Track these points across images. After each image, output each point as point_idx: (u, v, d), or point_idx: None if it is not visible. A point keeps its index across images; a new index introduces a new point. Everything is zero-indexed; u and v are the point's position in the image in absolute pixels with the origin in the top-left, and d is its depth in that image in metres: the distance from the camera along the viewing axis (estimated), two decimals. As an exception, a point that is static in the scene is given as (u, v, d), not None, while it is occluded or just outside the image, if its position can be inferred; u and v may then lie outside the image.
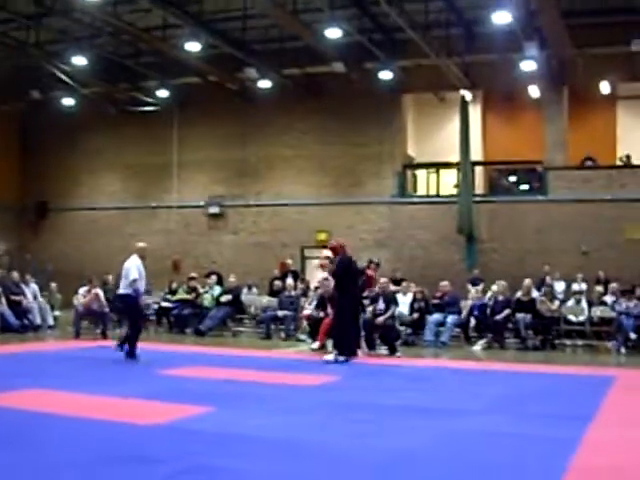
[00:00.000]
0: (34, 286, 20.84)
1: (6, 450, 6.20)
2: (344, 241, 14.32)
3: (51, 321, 20.41)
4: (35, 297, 20.43)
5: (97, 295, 18.43)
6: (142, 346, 13.03)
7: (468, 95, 24.50)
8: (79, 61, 24.39)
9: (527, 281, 18.17)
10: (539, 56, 21.37)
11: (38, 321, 19.87)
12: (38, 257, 28.16)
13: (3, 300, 19.23)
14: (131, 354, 13.14)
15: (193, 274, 22.56)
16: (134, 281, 13.39)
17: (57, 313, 21.32)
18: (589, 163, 24.88)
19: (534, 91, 24.36)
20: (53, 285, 21.92)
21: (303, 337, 18.82)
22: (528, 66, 21.90)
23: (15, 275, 20.39)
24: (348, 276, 14.22)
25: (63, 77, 26.34)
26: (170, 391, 9.83)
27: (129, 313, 13.89)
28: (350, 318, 14.02)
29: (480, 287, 20.50)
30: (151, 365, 12.18)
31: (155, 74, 26.51)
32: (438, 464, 6.00)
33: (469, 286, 21.07)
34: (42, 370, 11.51)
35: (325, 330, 15.26)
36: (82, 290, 18.71)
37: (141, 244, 14.49)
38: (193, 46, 22.59)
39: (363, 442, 6.74)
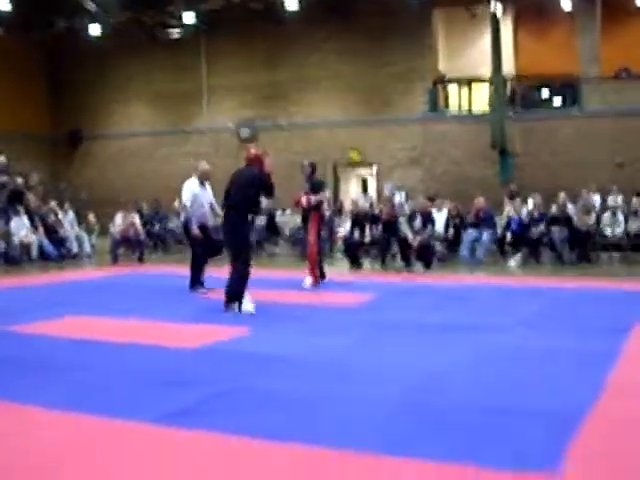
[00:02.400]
0: (71, 214, 20.99)
1: (46, 374, 6.32)
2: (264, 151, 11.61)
3: (88, 249, 20.60)
4: (72, 226, 20.61)
5: (133, 222, 18.53)
6: (176, 270, 12.98)
7: (499, 9, 24.06)
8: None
9: (562, 195, 18.01)
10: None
11: (75, 249, 20.06)
12: (72, 186, 28.33)
13: (40, 229, 19.42)
14: (191, 282, 12.25)
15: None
16: (184, 207, 12.33)
17: (94, 241, 21.49)
18: (624, 75, 24.45)
19: (566, 3, 23.88)
20: (90, 214, 22.04)
21: (339, 256, 18.88)
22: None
23: (52, 204, 20.55)
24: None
25: (89, 5, 26.16)
26: (207, 313, 9.92)
27: (189, 241, 12.76)
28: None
29: (518, 201, 20.32)
30: (185, 288, 12.22)
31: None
32: (474, 381, 6.03)
33: (506, 199, 20.89)
34: (81, 297, 11.65)
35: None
36: (118, 217, 18.80)
37: (202, 165, 12.84)
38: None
39: (399, 361, 6.79)
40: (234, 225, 10.29)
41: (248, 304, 9.93)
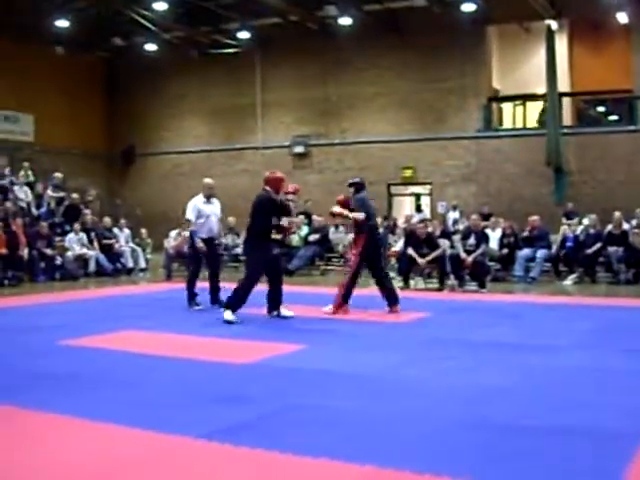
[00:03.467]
0: (127, 231, 21.26)
1: (101, 389, 6.37)
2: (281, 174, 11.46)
3: (143, 264, 20.83)
4: (127, 241, 20.87)
5: (187, 238, 18.64)
6: (231, 286, 13.09)
7: (554, 24, 23.93)
8: (160, 6, 24.58)
9: (617, 214, 17.82)
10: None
11: (130, 264, 20.33)
12: (127, 202, 28.63)
13: (96, 245, 19.68)
14: (188, 297, 12.46)
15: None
16: (187, 221, 12.63)
17: (149, 256, 21.71)
18: (681, 90, 24.17)
19: (622, 18, 23.65)
20: (143, 230, 22.28)
21: (392, 274, 18.83)
22: (616, -8, 21.28)
23: (107, 220, 20.81)
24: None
25: (145, 23, 26.50)
26: (261, 330, 9.95)
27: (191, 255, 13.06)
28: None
29: (575, 220, 20.14)
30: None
31: (236, 15, 26.47)
32: (526, 400, 5.97)
33: (563, 219, 20.75)
34: (136, 312, 11.74)
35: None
36: (173, 233, 18.98)
37: (206, 180, 13.21)
38: (273, -15, 22.49)
39: (452, 378, 6.74)
40: (245, 251, 11.56)
41: (230, 315, 10.48)
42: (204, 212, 12.50)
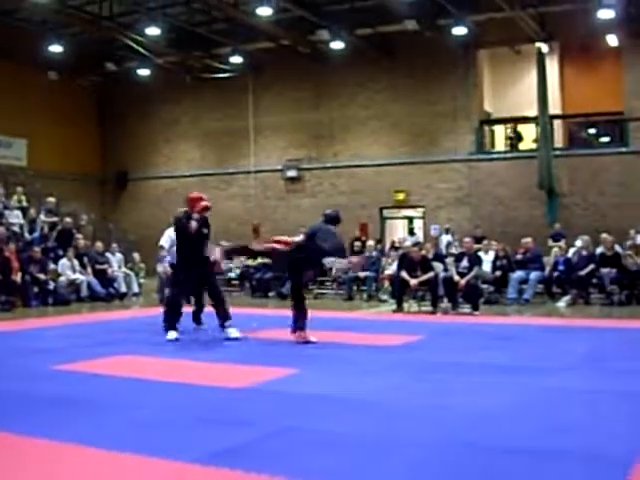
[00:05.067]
0: (119, 255, 21.27)
1: (99, 413, 6.34)
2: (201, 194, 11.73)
3: (136, 289, 20.83)
4: (120, 266, 20.87)
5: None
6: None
7: (544, 47, 24.07)
8: (152, 31, 24.64)
9: (606, 235, 17.91)
10: (617, 3, 20.86)
11: (123, 289, 20.33)
12: (119, 226, 28.62)
13: (89, 269, 19.68)
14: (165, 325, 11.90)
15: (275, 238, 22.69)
16: (160, 248, 13.32)
17: (142, 281, 21.70)
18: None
19: (612, 40, 23.79)
20: (136, 254, 22.28)
21: (385, 297, 18.87)
22: (606, 14, 21.36)
23: (99, 245, 20.82)
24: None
25: (137, 48, 26.59)
26: (255, 354, 9.94)
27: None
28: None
29: (562, 242, 20.23)
30: (235, 328, 12.25)
31: (228, 41, 26.58)
32: (519, 422, 5.96)
33: (550, 242, 20.83)
34: (130, 337, 11.71)
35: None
36: (167, 258, 18.94)
37: (180, 210, 12.99)
38: (264, 11, 22.60)
39: (445, 401, 6.73)
40: None
41: (170, 335, 11.05)
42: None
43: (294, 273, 11.35)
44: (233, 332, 11.23)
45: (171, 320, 11.28)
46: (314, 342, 10.72)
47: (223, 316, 11.33)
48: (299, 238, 11.23)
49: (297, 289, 11.33)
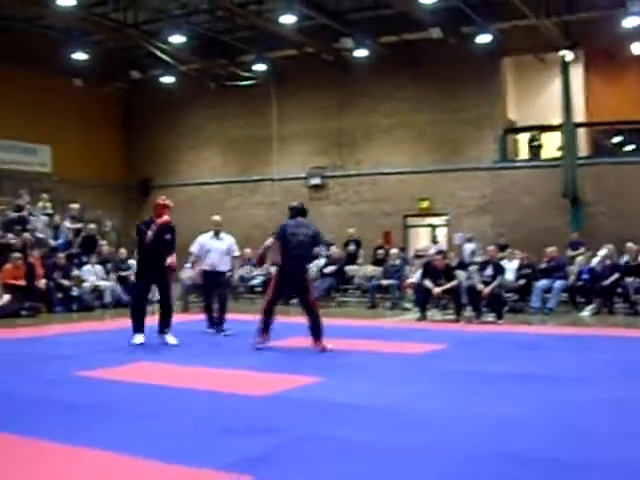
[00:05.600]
0: (143, 261, 21.29)
1: (122, 420, 6.35)
2: (166, 201, 12.34)
3: (159, 295, 20.79)
4: (143, 273, 20.89)
5: (199, 271, 18.65)
6: (246, 318, 13.14)
7: (569, 55, 23.96)
8: (176, 39, 24.74)
9: (630, 244, 17.78)
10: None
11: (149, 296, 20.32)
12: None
13: (112, 276, 19.74)
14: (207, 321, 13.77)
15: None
16: (191, 254, 13.96)
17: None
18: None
19: (637, 48, 23.65)
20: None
21: (408, 306, 18.82)
22: (631, 22, 21.27)
23: (123, 251, 20.86)
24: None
25: (162, 56, 26.68)
26: (279, 362, 9.94)
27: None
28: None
29: (582, 250, 20.04)
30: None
31: (252, 48, 26.63)
32: (544, 432, 5.91)
33: (568, 251, 20.65)
34: (152, 343, 11.73)
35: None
36: (189, 265, 18.95)
37: (213, 217, 14.23)
38: (288, 19, 22.65)
39: (470, 411, 6.70)
40: None
41: (137, 339, 11.56)
42: (206, 247, 13.58)
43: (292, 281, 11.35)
44: (171, 339, 11.83)
45: (135, 324, 11.78)
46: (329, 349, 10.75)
47: (166, 323, 12.01)
48: (268, 242, 11.47)
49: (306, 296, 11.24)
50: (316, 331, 10.93)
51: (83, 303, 18.60)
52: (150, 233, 11.60)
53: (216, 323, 13.50)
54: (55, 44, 26.12)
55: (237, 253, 14.19)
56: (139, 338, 11.59)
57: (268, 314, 11.21)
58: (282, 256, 11.07)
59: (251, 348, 10.96)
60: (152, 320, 12.26)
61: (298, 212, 11.50)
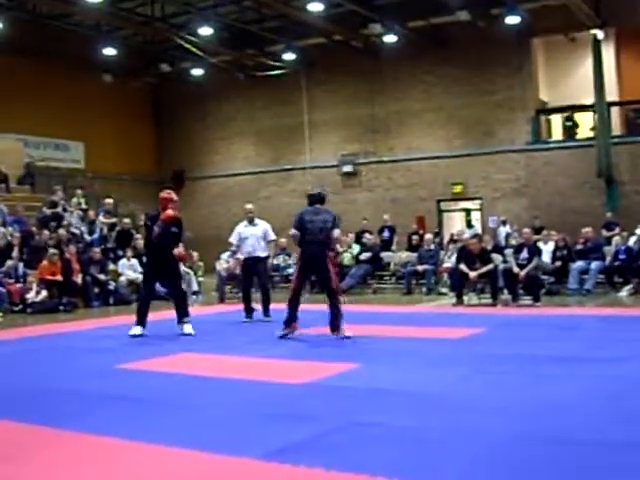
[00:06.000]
0: (178, 254, 21.36)
1: (163, 411, 6.37)
2: (170, 195, 12.32)
3: (196, 287, 20.89)
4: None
5: (239, 260, 18.68)
6: (284, 307, 13.17)
7: (600, 34, 23.75)
8: (205, 31, 24.80)
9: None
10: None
11: (183, 287, 20.38)
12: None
13: (149, 269, 19.82)
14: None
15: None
16: (230, 244, 14.24)
17: (201, 279, 21.79)
18: None
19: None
20: (195, 253, 22.37)
21: (444, 291, 18.75)
22: (663, -2, 21.07)
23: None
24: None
25: (190, 48, 26.75)
26: (316, 350, 9.94)
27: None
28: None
29: (617, 231, 19.85)
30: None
31: (280, 38, 26.65)
32: (591, 413, 5.86)
33: (603, 231, 20.46)
34: (190, 335, 11.77)
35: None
36: (225, 255, 18.99)
37: (245, 205, 14.49)
38: (316, 6, 22.65)
39: (510, 394, 6.66)
40: None
41: (135, 330, 11.57)
42: (243, 234, 13.76)
43: (312, 267, 11.31)
44: (188, 328, 11.78)
45: (139, 315, 11.78)
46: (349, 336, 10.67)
47: (184, 313, 11.92)
48: (292, 231, 11.31)
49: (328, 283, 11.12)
50: (333, 319, 10.86)
51: (120, 297, 18.68)
52: (156, 229, 11.67)
53: (263, 311, 13.66)
54: (85, 41, 26.27)
55: (273, 237, 14.20)
56: (138, 329, 11.67)
57: (293, 304, 11.16)
58: (301, 243, 11.10)
59: (276, 337, 10.96)
60: (199, 311, 12.30)
61: (316, 199, 11.45)
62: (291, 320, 11.11)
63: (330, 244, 11.32)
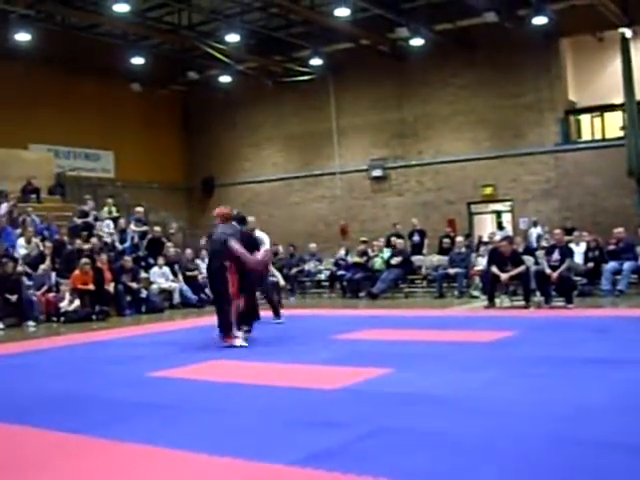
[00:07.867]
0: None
1: (196, 418, 6.39)
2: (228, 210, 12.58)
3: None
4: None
5: (268, 250, 18.72)
6: (316, 312, 13.19)
7: (628, 32, 23.57)
8: (232, 38, 24.87)
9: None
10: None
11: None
12: (208, 232, 28.89)
13: (180, 276, 19.93)
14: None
15: (363, 238, 22.76)
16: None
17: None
18: None
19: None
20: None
21: (476, 293, 18.70)
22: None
23: (189, 252, 21.07)
24: None
25: (218, 55, 26.84)
26: (348, 355, 9.91)
27: None
28: None
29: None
30: (327, 330, 12.29)
31: (307, 43, 26.66)
32: (626, 417, 5.81)
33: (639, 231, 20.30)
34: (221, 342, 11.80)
35: None
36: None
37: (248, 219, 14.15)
38: (342, 11, 22.67)
39: (543, 396, 6.61)
40: None
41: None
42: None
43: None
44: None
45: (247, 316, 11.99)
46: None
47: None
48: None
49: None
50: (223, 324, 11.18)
51: (152, 305, 18.77)
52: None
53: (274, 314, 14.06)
54: (113, 51, 26.42)
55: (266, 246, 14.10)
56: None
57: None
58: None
59: (325, 341, 10.95)
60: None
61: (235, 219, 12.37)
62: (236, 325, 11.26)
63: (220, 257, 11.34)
